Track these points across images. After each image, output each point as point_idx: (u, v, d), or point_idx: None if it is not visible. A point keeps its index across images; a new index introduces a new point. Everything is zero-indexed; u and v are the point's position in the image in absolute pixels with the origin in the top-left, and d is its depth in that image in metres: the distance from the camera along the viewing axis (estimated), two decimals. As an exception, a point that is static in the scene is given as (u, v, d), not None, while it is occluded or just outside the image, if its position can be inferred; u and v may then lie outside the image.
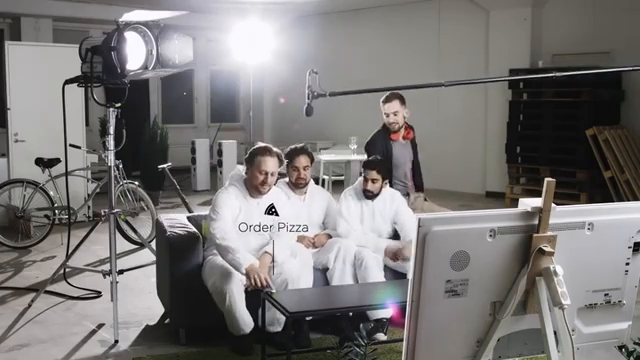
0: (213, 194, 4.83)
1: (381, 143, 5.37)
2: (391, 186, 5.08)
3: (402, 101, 5.33)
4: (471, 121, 11.05)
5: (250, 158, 4.37)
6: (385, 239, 4.83)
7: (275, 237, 4.29)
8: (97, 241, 6.63)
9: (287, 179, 4.85)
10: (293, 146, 4.85)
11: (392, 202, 4.88)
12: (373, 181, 4.76)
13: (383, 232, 4.87)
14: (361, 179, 4.89)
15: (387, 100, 5.33)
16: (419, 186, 5.63)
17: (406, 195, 5.43)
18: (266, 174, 4.30)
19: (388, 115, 5.34)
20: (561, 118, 9.44)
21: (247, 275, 4.04)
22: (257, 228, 4.31)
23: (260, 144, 4.54)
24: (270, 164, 4.32)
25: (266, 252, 4.18)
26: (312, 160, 4.83)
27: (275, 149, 4.45)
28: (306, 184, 4.79)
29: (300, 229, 4.46)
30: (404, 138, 5.46)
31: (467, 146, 11.18)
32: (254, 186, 4.34)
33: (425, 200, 5.60)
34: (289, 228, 4.34)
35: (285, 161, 4.60)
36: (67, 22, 12.38)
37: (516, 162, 10.07)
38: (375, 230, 4.83)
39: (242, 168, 4.53)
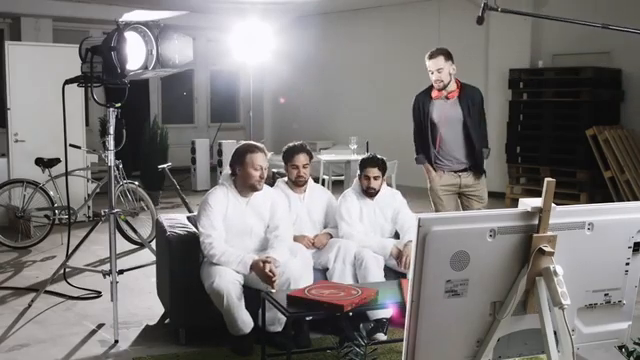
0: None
1: (419, 103, 5.16)
2: (433, 161, 5.10)
3: (447, 57, 5.05)
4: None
5: (240, 157, 4.33)
6: (389, 239, 4.83)
7: (275, 241, 4.31)
8: (97, 241, 6.63)
9: (286, 178, 4.86)
10: (292, 144, 4.86)
11: (393, 201, 4.88)
12: (375, 178, 4.76)
13: (385, 231, 4.87)
14: (357, 180, 4.89)
15: (431, 56, 5.07)
16: (474, 163, 5.15)
17: (458, 172, 5.12)
18: (261, 169, 4.31)
19: (432, 72, 5.05)
20: (561, 118, 9.45)
21: (256, 271, 4.07)
22: (247, 229, 4.33)
23: (243, 142, 4.54)
24: (262, 158, 4.35)
25: (271, 257, 4.17)
26: (311, 158, 4.84)
27: (260, 144, 4.48)
28: (305, 182, 4.80)
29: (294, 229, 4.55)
30: (448, 97, 5.09)
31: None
32: (250, 185, 4.32)
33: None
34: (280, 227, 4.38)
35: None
36: (67, 22, 12.39)
37: (516, 162, 10.07)
38: (377, 229, 4.83)
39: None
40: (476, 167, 5.16)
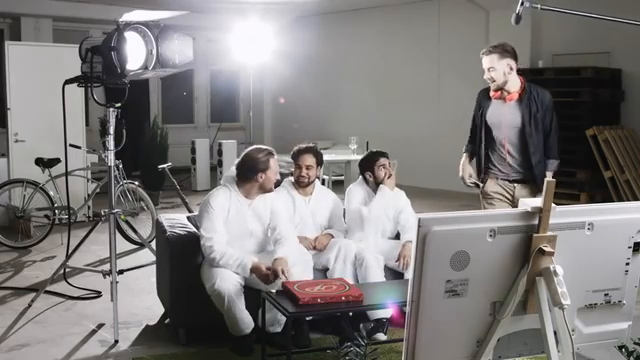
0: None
1: (478, 98, 4.74)
2: (484, 165, 4.67)
3: (503, 54, 4.47)
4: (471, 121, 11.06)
5: (264, 163, 4.31)
6: (386, 239, 4.86)
7: (283, 241, 4.31)
8: (97, 241, 6.63)
9: (292, 178, 4.86)
10: (302, 145, 4.87)
11: (397, 200, 4.90)
12: (384, 167, 4.86)
13: (387, 231, 4.89)
14: (360, 179, 4.94)
15: (485, 53, 4.53)
16: (531, 175, 4.60)
17: (512, 182, 4.61)
18: (280, 175, 4.42)
19: (485, 71, 4.55)
20: (561, 118, 9.42)
21: (256, 274, 4.08)
22: (247, 232, 4.34)
23: (254, 147, 4.50)
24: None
25: (279, 258, 4.17)
26: (319, 161, 4.83)
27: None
28: (308, 184, 4.79)
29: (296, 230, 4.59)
30: (505, 99, 4.57)
31: (467, 146, 11.18)
32: (269, 188, 4.37)
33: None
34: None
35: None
36: (67, 22, 12.39)
37: (516, 162, 10.06)
38: (378, 228, 4.83)
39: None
40: (533, 180, 4.60)
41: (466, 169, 4.87)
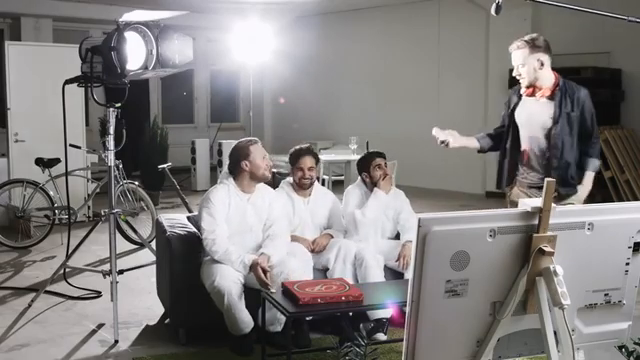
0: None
1: (509, 97, 4.33)
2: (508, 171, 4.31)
3: (535, 49, 4.06)
4: (471, 120, 11.06)
5: (245, 150, 4.39)
6: (385, 239, 4.86)
7: (270, 238, 4.33)
8: (97, 241, 6.63)
9: (290, 179, 4.87)
10: (298, 147, 4.88)
11: (396, 200, 4.90)
12: (379, 167, 4.86)
13: (386, 231, 4.89)
14: (359, 180, 4.94)
15: (514, 48, 4.13)
16: (563, 178, 4.13)
17: (541, 188, 3.93)
18: (266, 157, 4.43)
19: (514, 67, 4.17)
20: (561, 118, 9.44)
21: (254, 273, 4.08)
22: (247, 227, 4.36)
23: (244, 138, 4.59)
24: (262, 148, 4.49)
25: (263, 253, 4.21)
26: (317, 161, 4.87)
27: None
28: (310, 184, 4.81)
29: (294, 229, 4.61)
30: (537, 96, 4.14)
31: (467, 146, 11.18)
32: (261, 175, 4.39)
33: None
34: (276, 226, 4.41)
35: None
36: (67, 22, 12.39)
37: (516, 162, 10.06)
38: (378, 228, 4.84)
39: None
40: (560, 184, 4.03)
41: (441, 136, 4.53)
